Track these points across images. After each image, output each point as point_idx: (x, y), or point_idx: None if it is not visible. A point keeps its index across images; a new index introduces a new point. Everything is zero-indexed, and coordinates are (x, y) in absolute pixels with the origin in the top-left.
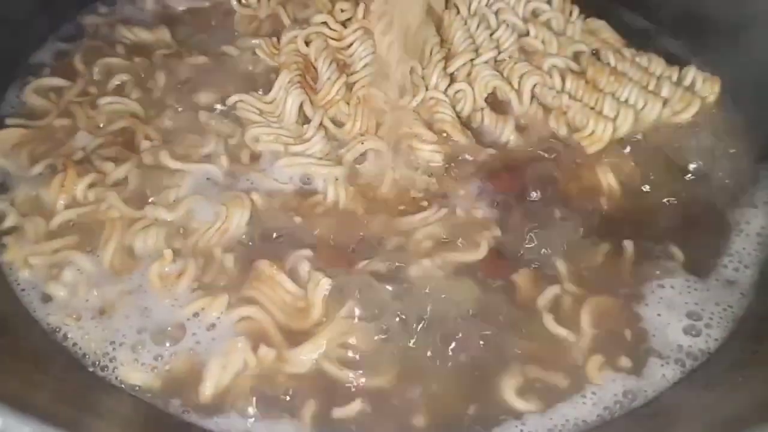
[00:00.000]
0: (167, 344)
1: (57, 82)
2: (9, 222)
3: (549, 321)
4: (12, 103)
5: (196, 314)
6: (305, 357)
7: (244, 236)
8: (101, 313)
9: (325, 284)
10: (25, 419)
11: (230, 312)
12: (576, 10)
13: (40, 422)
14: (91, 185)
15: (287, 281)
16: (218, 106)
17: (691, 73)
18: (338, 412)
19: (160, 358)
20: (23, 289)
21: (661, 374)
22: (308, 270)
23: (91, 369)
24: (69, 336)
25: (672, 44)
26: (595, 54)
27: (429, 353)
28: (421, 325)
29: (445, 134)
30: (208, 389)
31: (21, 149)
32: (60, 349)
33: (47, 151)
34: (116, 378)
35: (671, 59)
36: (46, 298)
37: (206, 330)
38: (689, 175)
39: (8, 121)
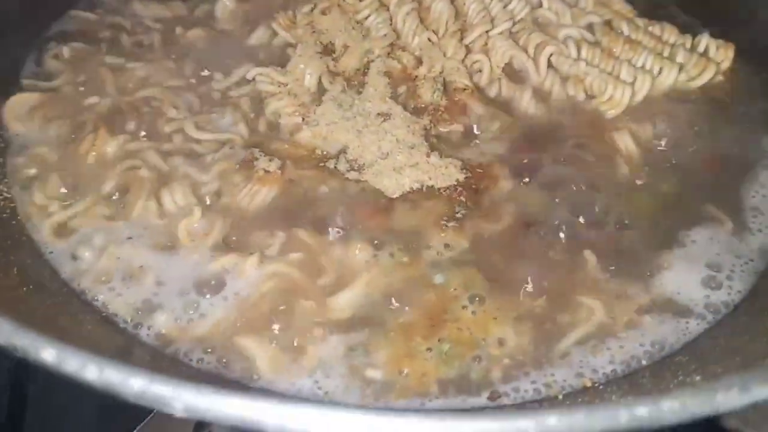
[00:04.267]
0: (201, 300)
1: (78, 46)
2: (34, 176)
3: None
4: (31, 69)
5: (225, 271)
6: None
7: (272, 201)
8: (130, 275)
9: (364, 251)
10: (77, 351)
11: (262, 268)
12: None
13: (91, 353)
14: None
15: (320, 245)
16: (235, 79)
17: (705, 40)
18: None
19: (191, 314)
20: (51, 252)
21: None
22: (340, 233)
23: (122, 326)
24: (99, 298)
25: (680, 16)
26: (608, 24)
27: None
28: None
29: (462, 105)
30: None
31: (41, 113)
32: (91, 309)
33: (72, 114)
34: (147, 335)
35: (681, 31)
36: (75, 258)
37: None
38: (704, 138)
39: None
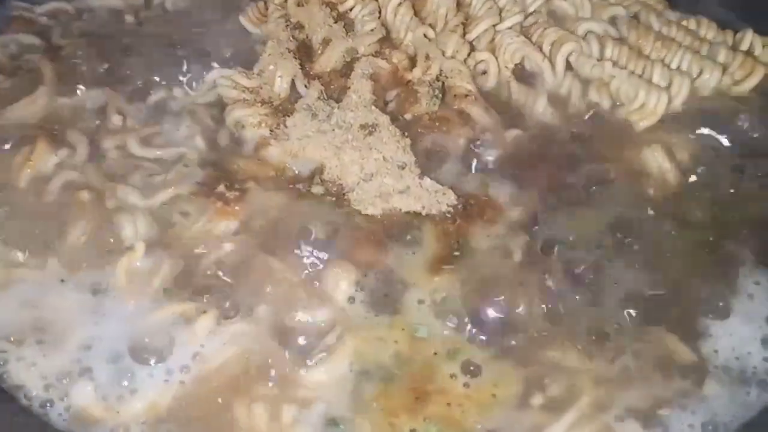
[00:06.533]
0: (131, 375)
1: (27, 39)
2: None
3: None
4: None
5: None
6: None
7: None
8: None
9: (347, 282)
10: None
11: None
12: None
13: None
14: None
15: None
16: (195, 84)
17: (749, 37)
18: None
19: (121, 396)
20: None
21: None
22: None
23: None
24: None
25: (717, 11)
26: (635, 18)
27: None
28: None
29: (463, 114)
30: None
31: None
32: None
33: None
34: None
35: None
36: None
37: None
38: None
39: None
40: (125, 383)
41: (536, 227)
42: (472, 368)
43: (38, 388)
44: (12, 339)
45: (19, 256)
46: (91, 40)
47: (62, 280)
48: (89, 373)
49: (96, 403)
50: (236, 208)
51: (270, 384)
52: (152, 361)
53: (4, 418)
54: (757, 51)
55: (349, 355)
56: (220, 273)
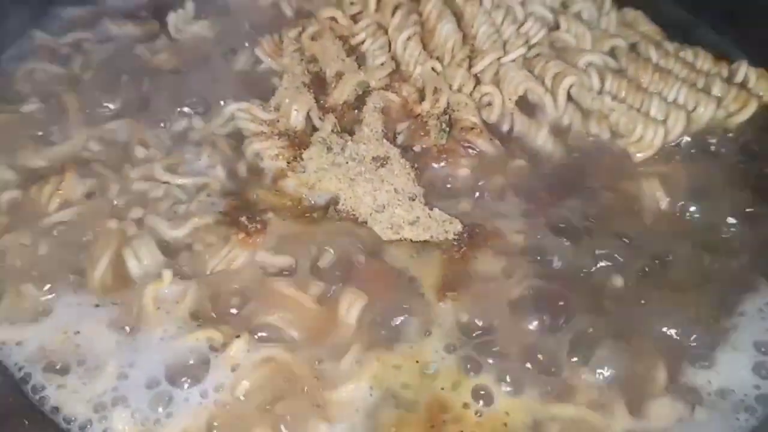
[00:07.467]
0: (168, 400)
1: (49, 68)
2: None
3: None
4: None
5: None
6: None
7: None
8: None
9: (359, 303)
10: None
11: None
12: (609, 0)
13: None
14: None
15: (308, 301)
16: (213, 115)
17: (743, 69)
18: None
19: (158, 420)
20: None
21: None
22: (334, 288)
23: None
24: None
25: (713, 38)
26: (634, 49)
27: None
28: None
29: (469, 145)
30: None
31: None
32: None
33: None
34: None
35: (715, 55)
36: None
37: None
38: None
39: None
40: (160, 409)
41: (538, 255)
42: (482, 393)
43: (77, 412)
44: (54, 366)
45: (49, 286)
46: (111, 70)
47: (96, 306)
48: (125, 400)
49: (133, 428)
50: (258, 240)
51: (296, 404)
52: (186, 386)
53: None
54: (752, 83)
55: (368, 379)
56: (242, 299)
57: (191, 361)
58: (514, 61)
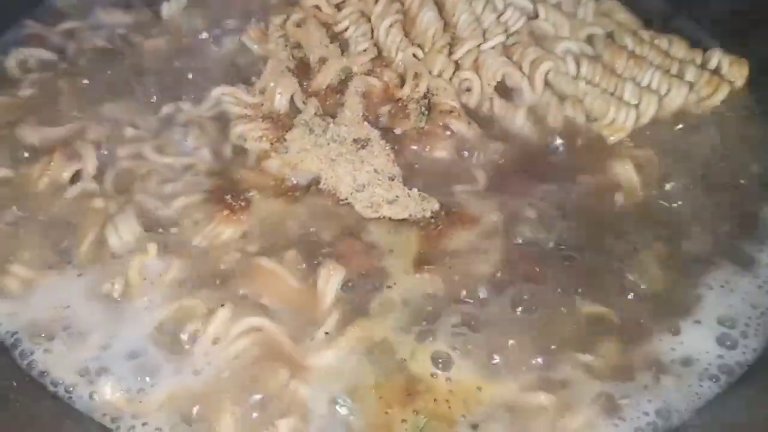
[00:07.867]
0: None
1: (42, 54)
2: None
3: None
4: None
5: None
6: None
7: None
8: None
9: (338, 275)
10: None
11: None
12: None
13: None
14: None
15: (289, 275)
16: (201, 99)
17: (717, 56)
18: None
19: (142, 389)
20: None
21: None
22: (315, 263)
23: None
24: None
25: (690, 27)
26: (610, 37)
27: None
28: None
29: (447, 129)
30: None
31: None
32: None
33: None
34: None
35: (691, 44)
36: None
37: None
38: (716, 169)
39: None
40: (147, 378)
41: (511, 235)
42: (441, 361)
43: (64, 377)
44: (42, 335)
45: (39, 260)
46: (103, 57)
47: (79, 275)
48: (109, 369)
49: (118, 395)
50: (242, 217)
51: (278, 371)
52: (170, 355)
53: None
54: (724, 69)
55: (347, 348)
56: (226, 273)
57: (175, 331)
58: (493, 48)
